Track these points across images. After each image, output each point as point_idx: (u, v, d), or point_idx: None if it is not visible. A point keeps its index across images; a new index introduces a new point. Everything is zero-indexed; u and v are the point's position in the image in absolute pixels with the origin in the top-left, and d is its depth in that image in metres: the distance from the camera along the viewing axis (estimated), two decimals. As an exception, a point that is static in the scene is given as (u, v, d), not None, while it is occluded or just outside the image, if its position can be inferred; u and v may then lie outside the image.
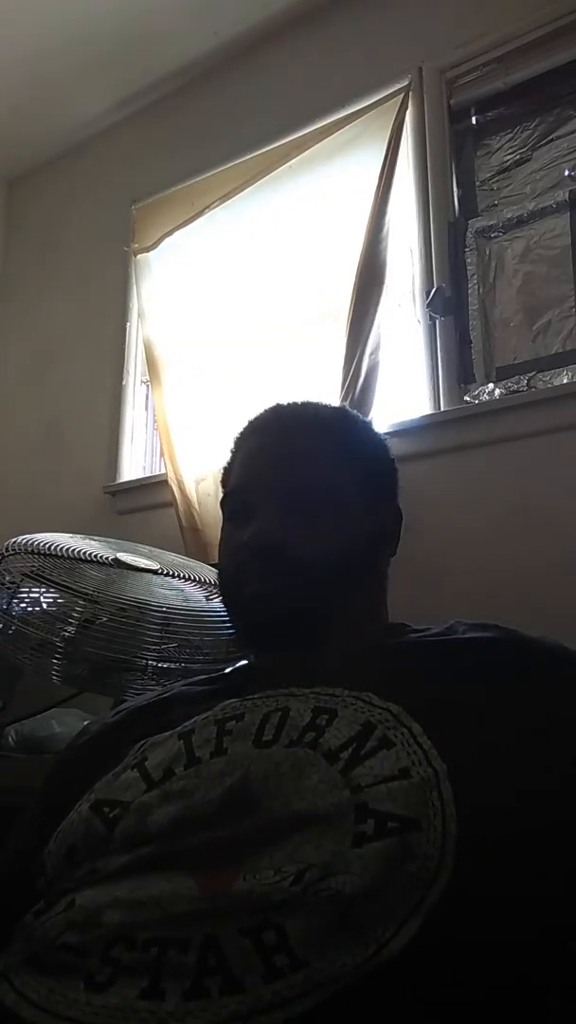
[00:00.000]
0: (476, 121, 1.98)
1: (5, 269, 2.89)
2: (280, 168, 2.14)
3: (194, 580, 1.42)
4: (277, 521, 0.79)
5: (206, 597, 1.36)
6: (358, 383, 1.79)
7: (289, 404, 0.91)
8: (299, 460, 0.84)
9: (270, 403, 0.92)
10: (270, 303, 2.08)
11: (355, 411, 0.98)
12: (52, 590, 1.28)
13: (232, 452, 0.92)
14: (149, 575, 1.36)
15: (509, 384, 1.77)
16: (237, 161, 2.23)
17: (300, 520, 0.79)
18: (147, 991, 0.50)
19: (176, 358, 2.21)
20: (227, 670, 0.88)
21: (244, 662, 0.91)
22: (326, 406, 0.93)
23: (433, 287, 1.86)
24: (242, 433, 0.91)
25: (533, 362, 1.76)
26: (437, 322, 1.86)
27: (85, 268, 2.62)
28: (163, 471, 2.14)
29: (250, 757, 0.63)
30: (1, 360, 2.78)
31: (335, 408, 0.95)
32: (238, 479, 0.88)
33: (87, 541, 1.46)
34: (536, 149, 1.88)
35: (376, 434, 0.96)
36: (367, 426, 0.96)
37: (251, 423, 0.91)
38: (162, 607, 1.27)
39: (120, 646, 1.22)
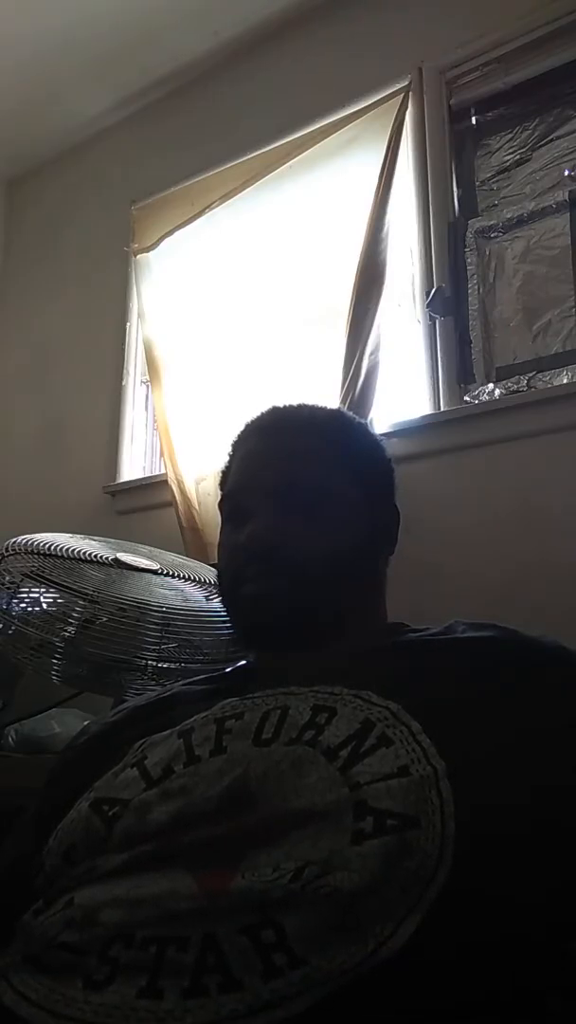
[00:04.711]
0: (476, 121, 1.98)
1: (5, 269, 2.89)
2: (280, 168, 2.14)
3: (194, 580, 1.42)
4: (273, 522, 0.79)
5: (206, 597, 1.36)
6: (358, 383, 1.79)
7: (285, 406, 0.92)
8: (295, 461, 0.84)
9: (269, 404, 0.92)
10: (270, 303, 2.08)
11: (351, 412, 0.98)
12: (52, 590, 1.28)
13: (230, 454, 0.92)
14: (149, 575, 1.36)
15: (509, 384, 1.77)
16: (237, 161, 2.23)
17: (296, 521, 0.79)
18: (146, 989, 0.50)
19: (176, 358, 2.21)
20: (227, 670, 0.89)
21: (244, 662, 0.91)
22: (322, 407, 0.93)
23: (433, 287, 1.86)
24: (239, 435, 0.92)
25: (533, 362, 1.76)
26: (437, 322, 1.86)
27: (85, 268, 2.63)
28: (163, 471, 2.14)
29: (249, 755, 0.63)
30: (1, 360, 2.78)
31: (331, 409, 0.95)
32: (235, 481, 0.88)
33: (87, 541, 1.46)
34: (536, 149, 1.88)
35: (372, 434, 0.97)
36: (363, 426, 0.96)
37: (248, 425, 0.92)
38: (162, 607, 1.27)
39: (120, 646, 1.22)
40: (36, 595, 1.30)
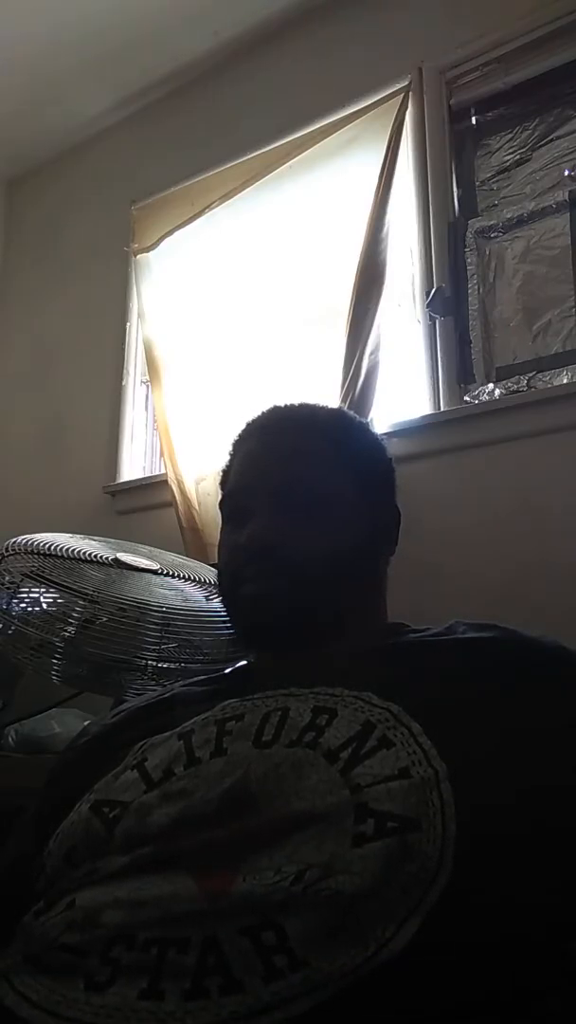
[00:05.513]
0: (476, 121, 1.98)
1: (5, 269, 2.89)
2: (280, 168, 2.14)
3: (194, 580, 1.42)
4: (273, 522, 0.79)
5: (206, 597, 1.36)
6: (358, 383, 1.79)
7: (285, 405, 0.91)
8: (295, 461, 0.84)
9: (269, 404, 0.92)
10: (270, 303, 2.08)
11: (352, 412, 0.98)
12: (52, 590, 1.28)
13: (230, 454, 0.92)
14: (149, 575, 1.36)
15: (509, 384, 1.77)
16: (237, 161, 2.23)
17: (296, 521, 0.79)
18: (147, 991, 0.50)
19: (176, 358, 2.21)
20: (227, 670, 0.88)
21: (244, 662, 0.91)
22: (322, 407, 0.93)
23: (433, 287, 1.86)
24: (239, 435, 0.92)
25: (533, 362, 1.76)
26: (437, 322, 1.86)
27: (85, 268, 2.63)
28: (163, 471, 2.14)
29: (250, 757, 0.63)
30: (1, 360, 2.78)
31: (331, 409, 0.95)
32: (235, 481, 0.88)
33: (87, 541, 1.46)
34: (536, 149, 1.88)
35: (372, 434, 0.96)
36: (363, 426, 0.96)
37: (248, 425, 0.91)
38: (162, 607, 1.27)
39: (120, 646, 1.22)
40: (36, 595, 1.29)
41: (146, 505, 2.20)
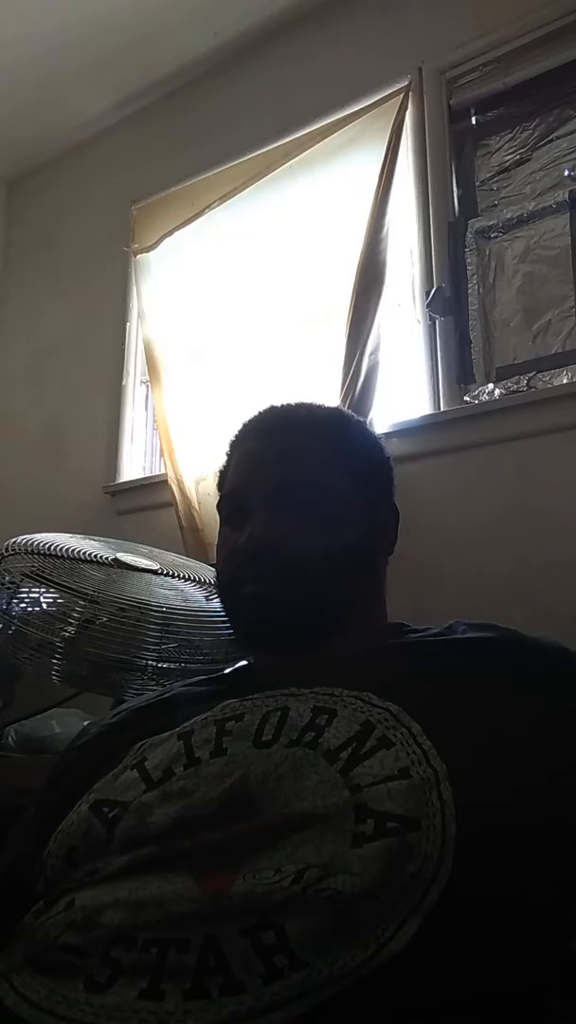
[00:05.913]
0: (476, 121, 1.98)
1: (5, 269, 2.89)
2: (280, 168, 2.14)
3: (194, 580, 1.42)
4: (272, 523, 0.79)
5: (206, 597, 1.36)
6: (358, 383, 1.79)
7: (283, 405, 0.91)
8: (293, 461, 0.84)
9: (267, 404, 0.92)
10: (270, 303, 2.08)
11: (349, 411, 0.98)
12: (52, 590, 1.28)
13: (227, 455, 0.92)
14: (149, 575, 1.36)
15: (509, 384, 1.77)
16: (237, 161, 2.23)
17: (295, 521, 0.79)
18: (147, 991, 0.50)
19: (176, 358, 2.21)
20: (227, 670, 0.88)
21: (244, 663, 0.91)
22: (320, 406, 0.93)
23: (433, 287, 1.86)
24: (237, 435, 0.91)
25: (533, 362, 1.76)
26: (437, 322, 1.86)
27: (85, 268, 2.63)
28: (163, 471, 2.14)
29: (249, 757, 0.63)
30: (1, 360, 2.78)
31: (329, 408, 0.95)
32: (233, 482, 0.88)
33: (87, 541, 1.46)
34: (536, 149, 1.88)
35: (371, 433, 0.96)
36: (361, 425, 0.96)
37: (245, 425, 0.91)
38: (162, 607, 1.27)
39: (120, 646, 1.22)
40: (36, 595, 1.29)
41: (146, 505, 2.20)
